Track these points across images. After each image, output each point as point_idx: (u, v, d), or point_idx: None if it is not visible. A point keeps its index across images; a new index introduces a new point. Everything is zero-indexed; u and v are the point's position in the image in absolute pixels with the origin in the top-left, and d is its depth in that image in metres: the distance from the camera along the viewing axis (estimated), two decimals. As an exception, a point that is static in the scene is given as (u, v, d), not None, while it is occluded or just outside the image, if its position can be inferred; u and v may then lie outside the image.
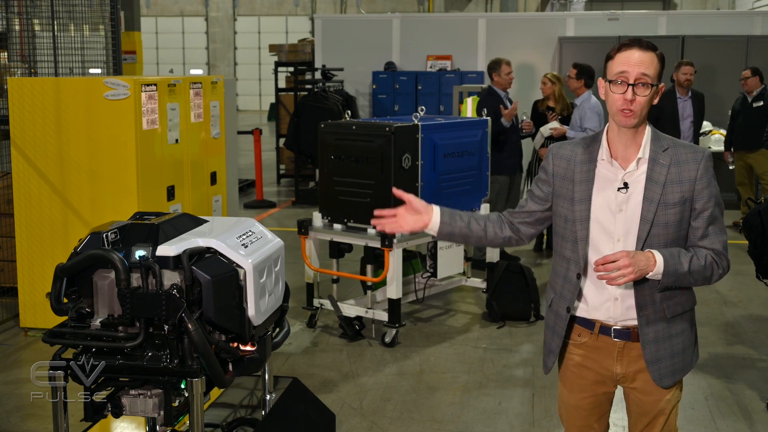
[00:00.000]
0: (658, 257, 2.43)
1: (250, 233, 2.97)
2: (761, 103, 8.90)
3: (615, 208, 2.53)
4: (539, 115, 8.02)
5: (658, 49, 2.50)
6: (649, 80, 2.44)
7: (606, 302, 2.58)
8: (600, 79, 2.56)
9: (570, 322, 2.66)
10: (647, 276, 2.44)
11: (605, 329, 2.61)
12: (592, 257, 2.55)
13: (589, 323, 2.63)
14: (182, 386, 2.75)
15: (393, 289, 5.45)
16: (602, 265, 2.40)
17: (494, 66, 7.40)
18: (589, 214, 2.55)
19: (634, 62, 2.44)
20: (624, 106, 2.44)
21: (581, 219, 2.56)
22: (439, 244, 5.79)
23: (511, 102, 7.42)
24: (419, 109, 5.83)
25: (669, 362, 2.59)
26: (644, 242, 2.50)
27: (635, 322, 2.57)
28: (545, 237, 8.31)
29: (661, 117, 8.57)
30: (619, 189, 2.53)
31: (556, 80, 7.99)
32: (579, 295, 2.62)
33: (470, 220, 2.70)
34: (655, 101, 2.51)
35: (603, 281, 2.49)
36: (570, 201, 2.59)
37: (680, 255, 2.46)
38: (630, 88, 2.43)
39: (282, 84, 14.00)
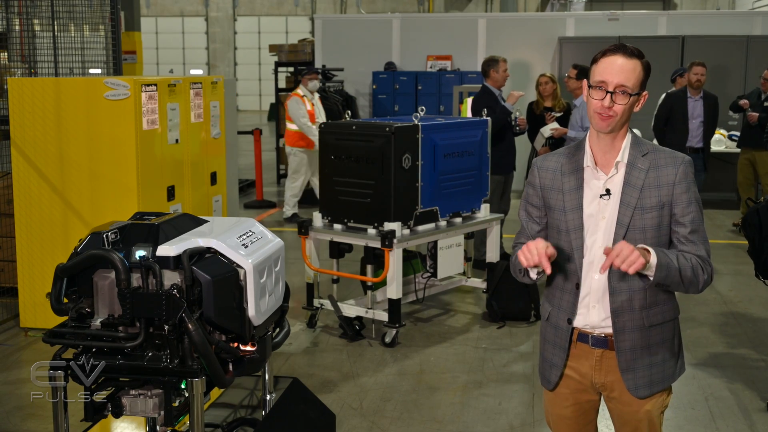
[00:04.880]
0: (651, 249, 2.38)
1: (250, 233, 2.97)
2: None
3: (599, 215, 2.52)
4: (535, 117, 8.02)
5: (644, 57, 2.47)
6: (629, 90, 2.42)
7: (584, 309, 2.56)
8: (584, 80, 2.54)
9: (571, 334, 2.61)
10: (645, 267, 2.35)
11: (583, 337, 2.59)
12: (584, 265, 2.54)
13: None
14: (182, 386, 2.75)
15: (393, 289, 5.45)
16: (607, 255, 2.32)
17: (492, 63, 7.37)
18: (582, 222, 2.53)
19: (616, 70, 2.42)
20: (601, 111, 2.43)
21: (575, 228, 2.54)
22: (440, 244, 5.79)
23: (504, 101, 7.42)
24: (419, 109, 5.83)
25: (646, 372, 2.55)
26: None
27: (612, 330, 2.54)
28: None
29: (671, 117, 8.60)
30: (601, 196, 2.52)
31: (553, 80, 8.03)
32: (578, 305, 2.58)
33: None
34: (637, 109, 2.48)
35: (584, 290, 2.52)
36: (561, 211, 2.56)
37: (667, 252, 2.43)
38: (608, 95, 2.42)
39: (282, 84, 14.01)
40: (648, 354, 2.54)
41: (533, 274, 2.51)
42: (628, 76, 2.41)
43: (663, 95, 9.17)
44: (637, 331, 2.52)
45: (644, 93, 2.48)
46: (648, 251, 2.36)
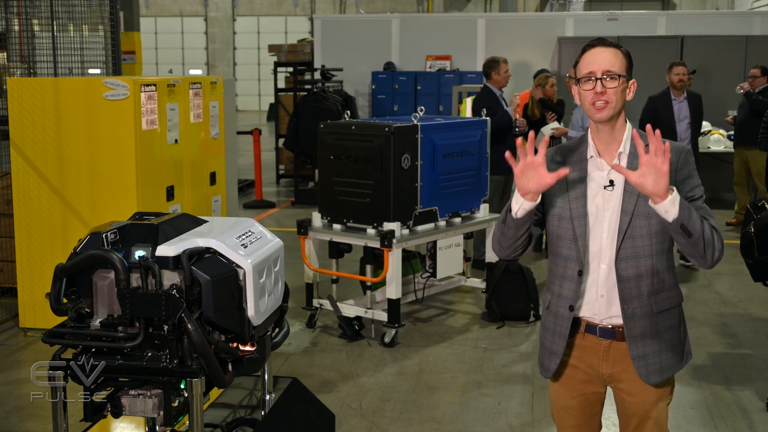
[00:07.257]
0: (674, 188, 2.32)
1: (250, 233, 2.97)
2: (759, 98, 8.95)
3: (604, 206, 2.55)
4: (531, 120, 8.01)
5: (622, 47, 2.54)
6: (616, 72, 2.47)
7: (591, 299, 2.58)
8: (574, 86, 2.58)
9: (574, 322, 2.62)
10: (667, 199, 2.28)
11: (591, 328, 2.61)
12: (591, 254, 2.56)
13: (575, 322, 2.63)
14: (182, 386, 2.75)
15: (392, 289, 5.45)
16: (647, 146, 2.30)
17: (493, 65, 7.38)
18: (586, 210, 2.56)
19: (599, 59, 2.49)
20: (595, 99, 2.47)
21: (578, 216, 2.56)
22: (439, 244, 5.79)
23: (506, 101, 7.42)
24: (419, 109, 5.82)
25: (656, 359, 2.57)
26: (624, 234, 2.50)
27: (620, 321, 2.56)
28: (544, 237, 8.28)
29: (656, 120, 8.50)
30: (605, 187, 2.54)
31: (539, 83, 8.07)
32: (580, 292, 2.59)
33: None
34: (629, 97, 2.52)
35: (591, 279, 2.54)
36: (565, 199, 2.59)
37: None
38: (598, 81, 2.47)
39: (281, 84, 14.00)
40: (657, 340, 2.57)
41: (519, 211, 2.52)
42: (612, 61, 2.48)
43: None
44: (646, 318, 2.55)
45: (633, 81, 2.53)
46: (672, 188, 2.30)
